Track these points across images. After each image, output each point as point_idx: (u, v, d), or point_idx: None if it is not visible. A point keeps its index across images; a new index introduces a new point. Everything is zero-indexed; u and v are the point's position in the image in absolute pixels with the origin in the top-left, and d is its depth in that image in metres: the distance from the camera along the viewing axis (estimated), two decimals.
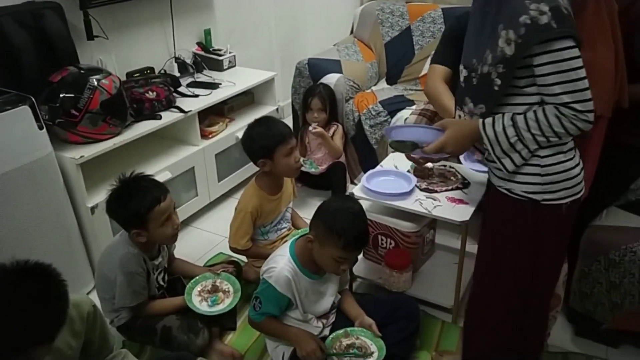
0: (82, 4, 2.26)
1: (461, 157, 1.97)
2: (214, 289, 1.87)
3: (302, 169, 2.62)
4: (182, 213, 2.57)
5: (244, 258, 2.20)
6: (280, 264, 1.61)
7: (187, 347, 1.74)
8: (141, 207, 1.66)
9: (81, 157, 2.04)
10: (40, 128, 1.89)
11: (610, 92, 1.42)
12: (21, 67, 2.05)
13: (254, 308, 1.66)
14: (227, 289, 1.88)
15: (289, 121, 2.96)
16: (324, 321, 1.73)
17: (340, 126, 2.80)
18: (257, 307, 1.64)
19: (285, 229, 2.17)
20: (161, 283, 1.86)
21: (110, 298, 1.77)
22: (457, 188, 1.95)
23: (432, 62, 2.27)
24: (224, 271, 1.94)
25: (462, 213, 1.80)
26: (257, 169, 2.05)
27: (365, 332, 1.68)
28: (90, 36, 2.35)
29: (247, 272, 2.19)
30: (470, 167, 2.01)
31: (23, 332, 1.07)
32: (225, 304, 1.82)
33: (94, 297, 1.89)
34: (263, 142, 1.95)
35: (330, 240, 1.53)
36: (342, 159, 2.79)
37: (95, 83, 2.10)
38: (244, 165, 2.84)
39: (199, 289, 1.87)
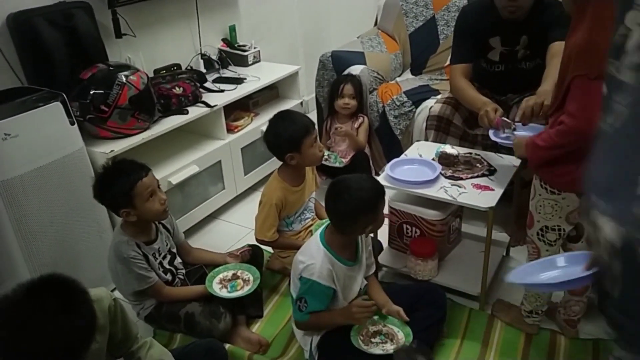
0: (110, 3, 2.31)
1: (490, 133, 1.93)
2: (235, 278, 1.91)
3: (327, 163, 2.64)
4: (210, 206, 2.62)
5: (269, 249, 2.22)
6: (319, 258, 1.60)
7: (210, 331, 1.78)
8: (126, 183, 1.70)
9: (111, 151, 2.10)
10: (72, 124, 1.96)
11: None
12: (53, 66, 2.12)
13: (298, 309, 1.63)
14: (247, 278, 1.92)
15: (313, 115, 2.98)
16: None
17: (366, 119, 2.79)
18: (302, 307, 1.62)
19: (309, 219, 2.18)
20: (167, 267, 1.88)
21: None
22: (482, 175, 1.93)
23: (451, 63, 2.34)
24: (242, 253, 1.99)
25: (488, 199, 1.78)
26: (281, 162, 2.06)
27: (391, 320, 1.67)
28: (119, 34, 2.41)
29: (272, 263, 2.22)
30: (499, 141, 1.90)
31: (55, 350, 1.06)
32: (244, 291, 1.86)
33: None
34: (290, 135, 1.95)
35: (374, 211, 1.58)
36: (366, 149, 2.78)
37: (124, 79, 2.15)
38: (270, 158, 2.87)
39: (220, 277, 1.91)
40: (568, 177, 1.48)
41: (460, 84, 2.22)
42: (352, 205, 1.54)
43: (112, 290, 2.17)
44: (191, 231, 2.52)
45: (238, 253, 2.00)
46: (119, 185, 1.71)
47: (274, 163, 2.84)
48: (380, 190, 1.60)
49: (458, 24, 2.32)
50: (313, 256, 1.62)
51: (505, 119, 1.91)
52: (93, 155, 2.09)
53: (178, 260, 1.95)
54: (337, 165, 2.69)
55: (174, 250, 1.94)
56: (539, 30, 2.09)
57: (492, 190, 1.83)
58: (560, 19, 1.93)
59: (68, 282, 1.13)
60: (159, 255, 1.86)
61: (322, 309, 1.63)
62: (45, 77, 2.09)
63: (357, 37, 3.17)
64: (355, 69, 2.83)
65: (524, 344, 1.80)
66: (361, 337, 1.63)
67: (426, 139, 2.36)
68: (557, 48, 1.91)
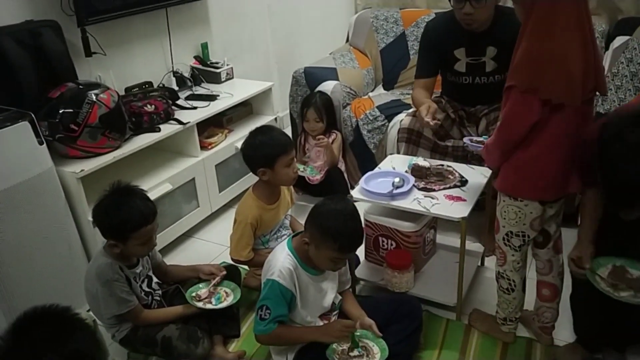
0: (79, 22, 2.29)
1: (465, 140, 1.95)
2: (210, 295, 1.88)
3: (302, 174, 2.64)
4: (184, 224, 2.59)
5: (245, 267, 2.20)
6: (281, 258, 1.62)
7: (187, 356, 1.75)
8: (127, 224, 1.65)
9: (81, 171, 2.07)
10: (41, 143, 1.92)
11: (574, 79, 1.39)
12: (21, 85, 2.09)
13: (260, 319, 1.59)
14: (227, 291, 1.91)
15: (287, 131, 2.99)
16: (326, 322, 1.72)
17: (339, 134, 2.81)
18: (264, 315, 1.58)
19: (285, 236, 2.17)
20: (147, 289, 1.85)
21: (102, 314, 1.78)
22: (455, 186, 1.95)
23: (415, 77, 2.41)
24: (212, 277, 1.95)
25: (461, 210, 1.80)
26: (257, 178, 2.06)
27: (366, 334, 1.66)
28: (89, 53, 2.38)
29: (248, 280, 2.19)
30: (470, 144, 1.91)
31: None
32: (229, 301, 1.85)
33: None
34: (265, 151, 1.95)
35: (325, 243, 1.54)
36: (341, 164, 2.80)
37: (94, 97, 2.13)
38: (244, 175, 2.85)
39: (197, 297, 1.87)
40: (528, 183, 1.54)
41: (415, 95, 2.34)
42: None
43: (87, 312, 2.12)
44: (165, 250, 2.48)
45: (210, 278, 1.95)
46: (121, 220, 1.66)
47: (249, 180, 2.84)
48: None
49: (422, 38, 2.39)
50: (276, 257, 1.64)
51: (471, 137, 1.94)
52: (63, 175, 2.05)
53: (154, 281, 1.91)
54: (312, 176, 2.69)
55: (151, 273, 1.91)
56: (507, 41, 2.13)
57: (464, 200, 1.86)
58: None
59: (55, 311, 1.09)
60: (139, 279, 1.83)
61: (284, 314, 1.59)
62: (12, 97, 2.05)
63: (330, 54, 3.21)
64: (328, 85, 2.85)
65: (500, 352, 1.82)
66: (337, 356, 1.62)
67: (398, 152, 2.39)
68: None
